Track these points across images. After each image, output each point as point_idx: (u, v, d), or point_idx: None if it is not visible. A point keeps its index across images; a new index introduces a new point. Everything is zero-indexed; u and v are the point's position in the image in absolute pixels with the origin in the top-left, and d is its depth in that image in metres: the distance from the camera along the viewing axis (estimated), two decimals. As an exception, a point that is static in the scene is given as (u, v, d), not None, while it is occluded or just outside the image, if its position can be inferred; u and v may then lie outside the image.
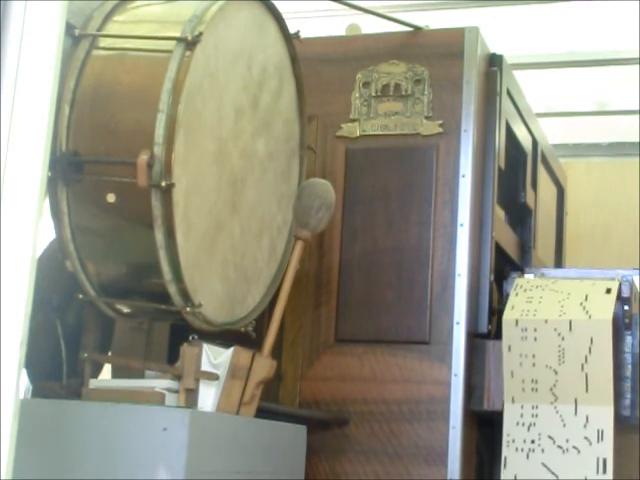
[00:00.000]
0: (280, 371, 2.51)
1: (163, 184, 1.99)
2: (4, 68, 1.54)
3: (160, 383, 2.07)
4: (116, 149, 2.06)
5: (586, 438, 2.36)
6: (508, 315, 2.46)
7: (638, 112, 4.17)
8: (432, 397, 2.47)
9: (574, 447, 2.36)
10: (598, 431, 2.35)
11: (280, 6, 2.40)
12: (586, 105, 4.49)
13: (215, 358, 2.12)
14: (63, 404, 1.99)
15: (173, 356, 2.19)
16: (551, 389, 2.41)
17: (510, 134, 2.87)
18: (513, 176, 3.00)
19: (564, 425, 2.38)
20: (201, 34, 2.08)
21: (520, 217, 3.11)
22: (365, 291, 2.57)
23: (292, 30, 2.47)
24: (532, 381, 2.42)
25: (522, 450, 2.39)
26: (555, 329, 2.41)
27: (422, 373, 2.49)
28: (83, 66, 2.13)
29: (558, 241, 3.61)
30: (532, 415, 2.41)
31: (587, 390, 2.38)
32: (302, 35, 2.49)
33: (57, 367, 2.25)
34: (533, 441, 2.39)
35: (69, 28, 2.10)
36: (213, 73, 2.16)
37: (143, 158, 1.99)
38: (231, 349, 2.15)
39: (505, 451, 2.40)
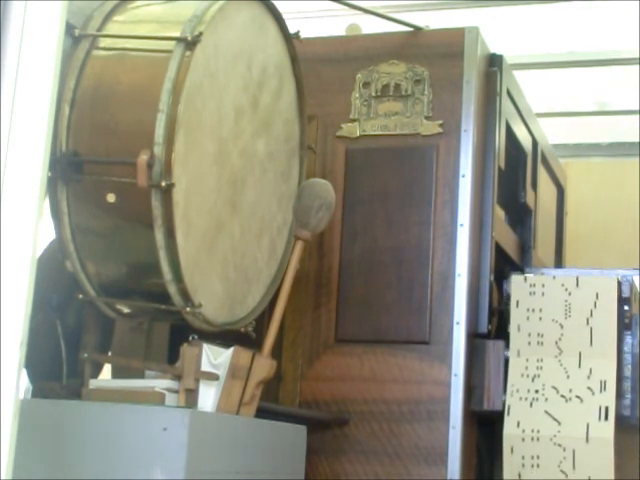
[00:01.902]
0: (280, 371, 2.51)
1: (163, 184, 1.99)
2: (4, 68, 1.54)
3: (160, 383, 2.06)
4: (116, 149, 2.06)
5: (589, 388, 2.41)
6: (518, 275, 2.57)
7: (638, 112, 4.17)
8: (432, 397, 2.47)
9: (577, 396, 2.41)
10: (601, 382, 2.41)
11: (280, 6, 2.40)
12: (586, 105, 4.49)
13: (215, 358, 2.12)
14: (63, 404, 1.99)
15: (173, 356, 2.19)
16: (556, 342, 2.47)
17: (510, 134, 2.87)
18: (513, 176, 3.00)
19: (568, 377, 2.44)
20: (201, 34, 2.08)
21: (520, 217, 3.11)
22: (365, 291, 2.57)
23: (292, 30, 2.46)
24: (538, 335, 2.49)
25: (526, 399, 2.44)
26: (562, 284, 2.50)
27: (422, 373, 2.49)
28: (83, 66, 2.13)
29: (558, 241, 3.61)
30: (537, 367, 2.47)
31: (591, 344, 2.45)
32: (302, 35, 2.49)
33: (57, 367, 2.25)
34: (537, 391, 2.44)
35: (69, 28, 2.10)
36: (213, 73, 2.16)
37: (143, 158, 1.99)
38: (231, 349, 2.15)
39: (509, 400, 2.45)
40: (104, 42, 2.17)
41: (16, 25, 1.55)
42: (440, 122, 2.60)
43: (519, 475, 2.40)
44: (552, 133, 3.61)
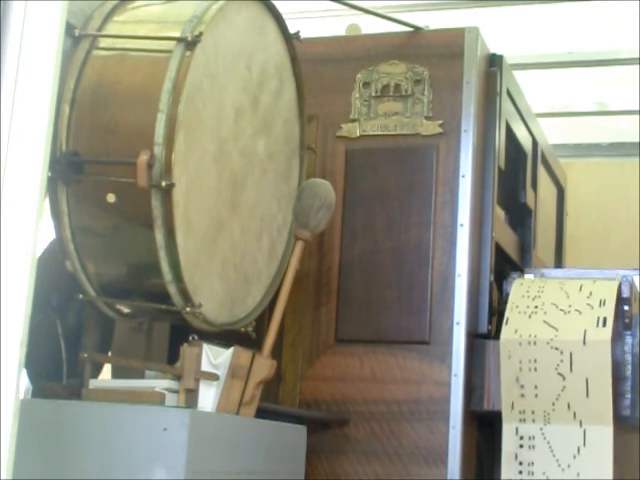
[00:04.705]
0: (280, 371, 2.51)
1: (163, 184, 1.99)
2: (4, 68, 1.54)
3: (160, 383, 2.06)
4: (116, 149, 2.06)
5: (588, 304, 2.46)
6: None
7: (638, 112, 4.17)
8: (432, 397, 2.47)
9: (576, 310, 2.46)
10: (600, 300, 2.46)
11: (280, 6, 2.40)
12: (586, 105, 4.49)
13: (215, 358, 2.12)
14: (63, 404, 1.99)
15: (173, 356, 2.19)
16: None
17: (510, 134, 2.87)
18: (513, 176, 3.00)
19: (568, 297, 2.49)
20: (201, 34, 2.08)
21: (520, 217, 3.11)
22: (365, 291, 2.57)
23: (292, 30, 2.47)
24: (541, 275, 2.62)
25: (525, 312, 2.48)
26: None
27: (422, 373, 2.49)
28: (83, 66, 2.13)
29: (558, 241, 3.61)
30: (538, 290, 2.53)
31: (594, 280, 2.55)
32: (302, 35, 2.49)
33: (57, 367, 2.25)
34: (536, 307, 2.49)
35: (69, 28, 2.11)
36: (213, 73, 2.16)
37: (143, 158, 1.99)
38: (231, 349, 2.15)
39: (508, 313, 2.48)
40: (104, 42, 2.17)
41: (16, 25, 1.55)
42: (440, 122, 2.60)
43: (517, 379, 2.41)
44: (552, 133, 3.61)
